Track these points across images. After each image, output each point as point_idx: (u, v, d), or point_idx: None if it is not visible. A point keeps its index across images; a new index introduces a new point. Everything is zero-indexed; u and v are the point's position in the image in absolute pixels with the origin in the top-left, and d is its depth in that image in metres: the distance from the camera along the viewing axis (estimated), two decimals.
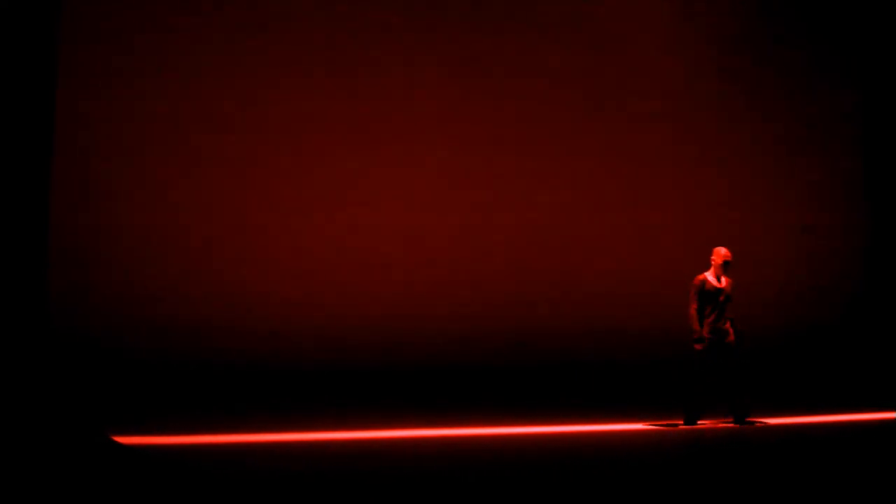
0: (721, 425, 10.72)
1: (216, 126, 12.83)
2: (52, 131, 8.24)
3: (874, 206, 15.83)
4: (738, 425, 10.66)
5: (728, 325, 10.78)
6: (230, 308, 12.69)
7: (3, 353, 7.70)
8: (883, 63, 15.81)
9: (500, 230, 13.96)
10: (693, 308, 10.71)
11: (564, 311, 14.04)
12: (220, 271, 12.71)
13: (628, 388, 13.39)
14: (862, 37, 15.85)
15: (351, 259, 13.29)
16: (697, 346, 10.64)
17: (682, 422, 10.68)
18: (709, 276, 10.84)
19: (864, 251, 15.82)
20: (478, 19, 14.02)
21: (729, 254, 10.86)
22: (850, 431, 10.82)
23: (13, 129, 7.95)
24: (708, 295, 10.74)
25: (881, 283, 15.72)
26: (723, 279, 10.85)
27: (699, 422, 10.68)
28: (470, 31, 13.98)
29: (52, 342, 8.34)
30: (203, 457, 8.30)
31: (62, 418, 7.86)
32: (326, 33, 13.38)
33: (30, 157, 8.06)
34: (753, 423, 10.78)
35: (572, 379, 13.61)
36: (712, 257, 10.88)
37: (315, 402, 11.96)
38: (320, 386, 12.54)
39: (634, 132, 14.70)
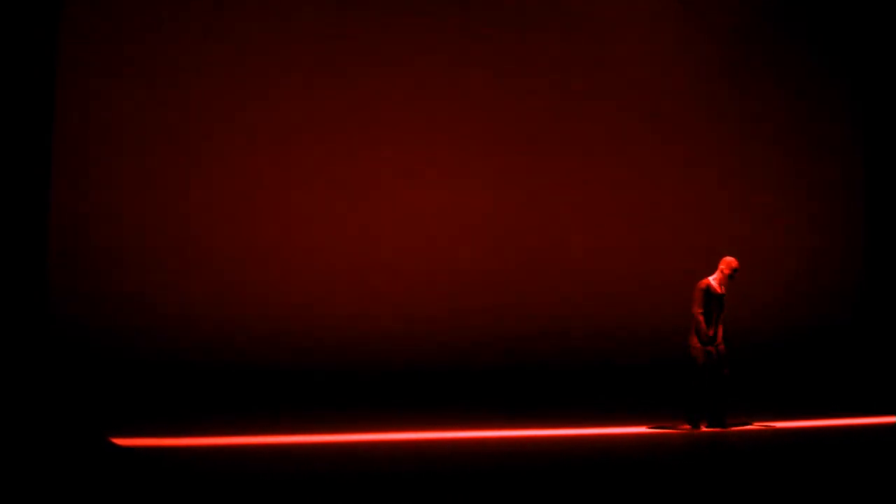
0: (735, 429, 10.69)
1: (216, 126, 12.81)
2: (52, 131, 8.24)
3: (874, 206, 15.81)
4: (718, 427, 10.66)
5: (720, 330, 10.81)
6: (230, 308, 12.68)
7: (2, 354, 7.70)
8: (883, 63, 15.79)
9: (500, 231, 13.94)
10: (699, 312, 10.74)
11: (565, 312, 14.02)
12: (220, 271, 12.70)
13: (629, 391, 13.37)
14: (862, 37, 15.83)
15: (351, 259, 13.28)
16: (704, 351, 10.67)
17: (687, 425, 10.66)
18: (713, 281, 10.84)
19: (864, 252, 15.80)
20: (477, 20, 14.00)
21: (738, 264, 10.90)
22: (851, 435, 10.81)
23: (13, 128, 7.95)
24: (712, 300, 10.78)
25: (881, 284, 15.70)
26: (723, 287, 10.87)
27: (702, 424, 10.67)
28: (469, 32, 13.96)
29: (51, 342, 8.34)
30: (202, 458, 8.30)
31: (61, 419, 7.85)
32: (328, 34, 13.36)
33: (30, 156, 8.06)
34: (734, 424, 10.78)
35: (574, 381, 13.60)
36: (721, 266, 10.89)
37: (315, 403, 11.95)
38: (320, 387, 12.53)
39: (634, 133, 14.67)
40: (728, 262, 10.93)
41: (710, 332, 10.70)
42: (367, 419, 10.93)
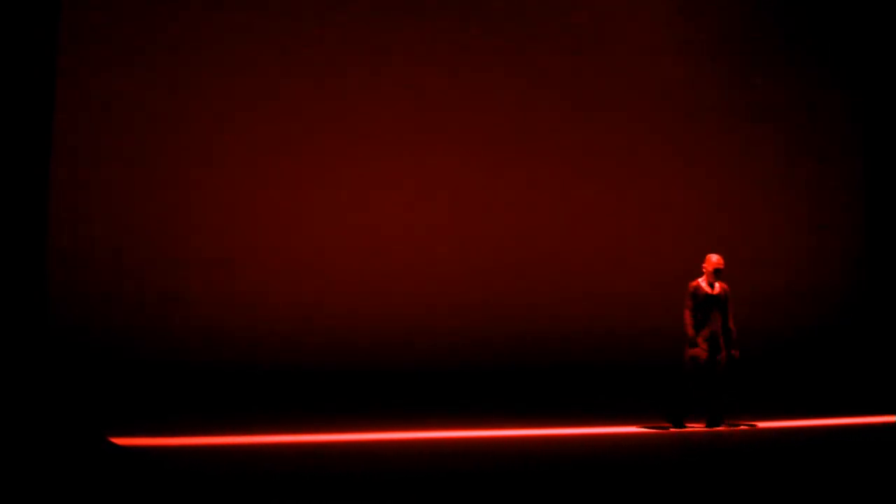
0: (732, 428, 10.69)
1: (217, 126, 12.82)
2: (52, 132, 8.23)
3: (874, 206, 15.80)
4: (716, 427, 10.66)
5: (720, 334, 10.75)
6: (230, 308, 12.68)
7: (2, 354, 7.69)
8: (883, 63, 15.79)
9: (500, 232, 13.94)
10: (687, 313, 10.72)
11: (561, 312, 14.01)
12: (220, 272, 12.70)
13: (621, 391, 13.37)
14: (862, 37, 15.83)
15: (350, 260, 13.28)
16: (690, 351, 10.65)
17: (670, 425, 10.68)
18: (702, 282, 10.82)
19: (864, 252, 15.79)
20: (476, 22, 13.99)
21: (720, 261, 10.82)
22: (851, 434, 10.81)
23: (13, 129, 7.94)
24: (701, 301, 10.73)
25: (881, 285, 15.69)
26: (716, 286, 10.81)
27: (687, 424, 10.67)
28: (470, 37, 13.96)
29: (51, 342, 8.33)
30: (202, 458, 8.30)
31: (60, 419, 7.85)
32: (327, 35, 13.36)
33: (29, 157, 8.05)
34: (732, 425, 10.77)
35: (566, 381, 13.60)
36: (704, 264, 10.87)
37: (315, 404, 11.96)
38: (320, 387, 12.53)
39: (634, 134, 14.67)
40: (708, 258, 10.89)
41: (692, 333, 10.64)
42: (367, 419, 10.93)
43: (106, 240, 12.29)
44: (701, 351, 10.65)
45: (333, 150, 13.33)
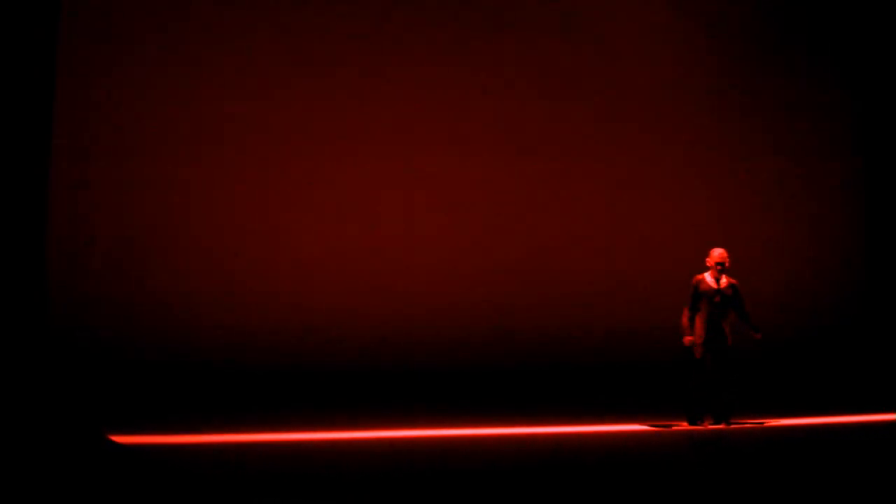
0: (736, 426, 10.69)
1: (217, 127, 12.83)
2: (52, 131, 8.25)
3: (874, 206, 15.80)
4: (720, 425, 10.66)
5: (727, 328, 10.76)
6: (231, 308, 12.69)
7: (2, 354, 7.70)
8: (882, 64, 15.79)
9: (500, 231, 13.95)
10: (685, 308, 10.78)
11: (560, 312, 14.01)
12: (220, 271, 12.71)
13: (627, 389, 13.37)
14: (861, 37, 15.82)
15: (350, 260, 13.29)
16: (685, 342, 10.68)
17: (684, 422, 10.67)
18: (707, 276, 10.83)
19: (864, 252, 15.79)
20: (475, 24, 14.00)
21: (723, 254, 10.82)
22: (852, 433, 10.81)
23: (12, 129, 7.96)
24: (704, 295, 10.74)
25: (881, 285, 15.69)
26: (722, 280, 10.81)
27: (701, 422, 10.67)
28: (468, 35, 13.96)
29: (51, 342, 8.34)
30: (203, 457, 8.30)
31: (61, 418, 7.86)
32: (330, 35, 13.37)
33: (29, 156, 8.07)
34: (737, 423, 10.77)
35: (570, 380, 13.60)
36: (707, 259, 10.87)
37: (315, 403, 11.96)
38: (320, 386, 12.54)
39: (633, 134, 14.67)
40: (710, 252, 10.90)
41: (702, 328, 10.64)
42: (366, 418, 10.93)
43: (106, 240, 12.29)
44: (696, 346, 10.65)
45: (333, 150, 13.33)
